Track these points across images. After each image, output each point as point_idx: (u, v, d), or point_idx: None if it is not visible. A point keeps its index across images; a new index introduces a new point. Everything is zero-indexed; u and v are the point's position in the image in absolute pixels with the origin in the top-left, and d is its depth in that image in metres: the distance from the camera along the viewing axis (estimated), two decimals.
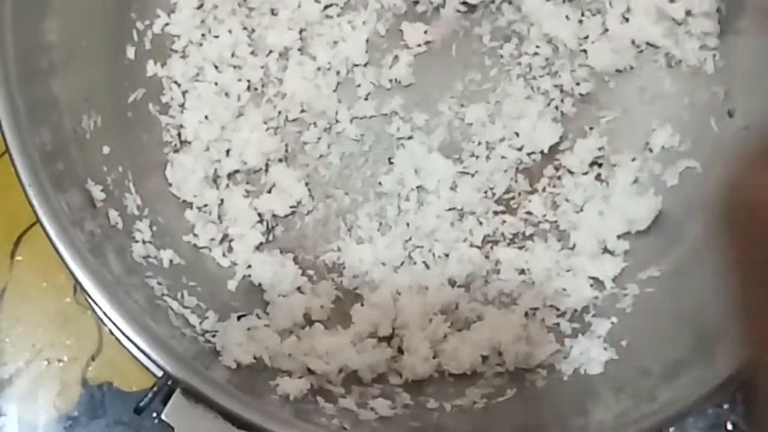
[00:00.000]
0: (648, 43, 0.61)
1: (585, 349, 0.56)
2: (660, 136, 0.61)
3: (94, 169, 0.56)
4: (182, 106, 0.62)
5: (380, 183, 0.62)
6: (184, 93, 0.62)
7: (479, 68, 0.63)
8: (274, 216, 0.62)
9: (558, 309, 0.59)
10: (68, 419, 0.62)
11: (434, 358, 0.57)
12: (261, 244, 0.61)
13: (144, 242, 0.57)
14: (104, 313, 0.48)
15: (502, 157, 0.61)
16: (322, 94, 0.62)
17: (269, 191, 0.62)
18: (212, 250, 0.60)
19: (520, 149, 0.61)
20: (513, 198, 0.62)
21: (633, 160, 0.61)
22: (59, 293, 0.64)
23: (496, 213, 0.62)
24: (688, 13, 0.60)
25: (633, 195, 0.60)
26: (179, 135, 0.62)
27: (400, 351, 0.58)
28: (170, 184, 0.60)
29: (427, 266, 0.61)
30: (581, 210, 0.61)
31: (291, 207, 0.62)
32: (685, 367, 0.51)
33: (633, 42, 0.61)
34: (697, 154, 0.60)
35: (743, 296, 0.40)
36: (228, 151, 0.61)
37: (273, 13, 0.63)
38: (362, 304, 0.60)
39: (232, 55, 0.63)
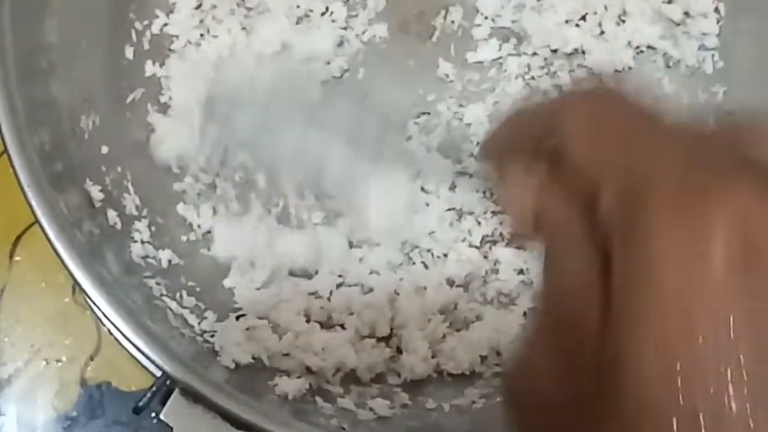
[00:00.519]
0: (646, 45, 0.61)
1: None
2: None
3: (93, 170, 0.56)
4: None
5: None
6: None
7: (478, 68, 0.63)
8: None
9: None
10: (67, 419, 0.62)
11: (433, 358, 0.57)
12: None
13: (143, 242, 0.57)
14: (103, 313, 0.48)
15: None
16: None
17: None
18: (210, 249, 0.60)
19: None
20: None
21: None
22: (58, 293, 0.64)
23: (494, 213, 0.62)
24: (686, 14, 0.60)
25: None
26: None
27: (399, 351, 0.58)
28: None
29: (426, 266, 0.60)
30: None
31: None
32: None
33: (630, 43, 0.61)
34: None
35: None
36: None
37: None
38: (361, 304, 0.60)
39: (231, 55, 0.62)
